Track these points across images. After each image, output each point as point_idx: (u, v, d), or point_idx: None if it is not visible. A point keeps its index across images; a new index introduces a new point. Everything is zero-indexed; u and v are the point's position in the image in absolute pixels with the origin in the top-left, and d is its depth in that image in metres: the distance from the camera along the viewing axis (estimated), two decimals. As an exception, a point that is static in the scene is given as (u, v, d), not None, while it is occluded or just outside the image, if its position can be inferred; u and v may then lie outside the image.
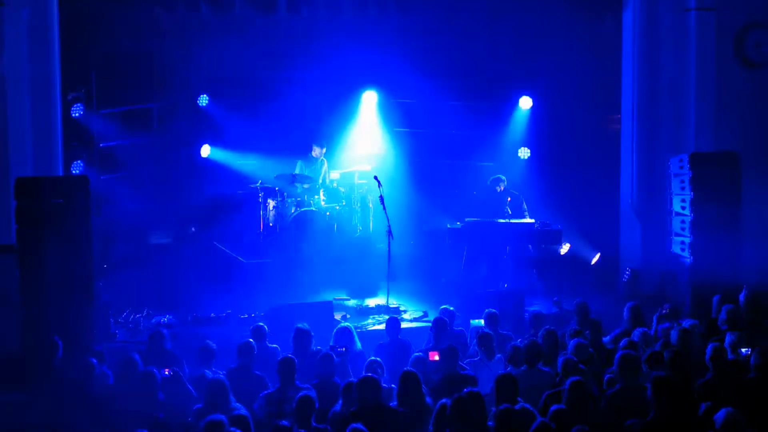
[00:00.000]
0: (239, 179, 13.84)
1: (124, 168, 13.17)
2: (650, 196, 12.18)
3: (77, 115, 12.13)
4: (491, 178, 12.74)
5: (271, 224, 13.35)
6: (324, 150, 13.54)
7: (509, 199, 12.49)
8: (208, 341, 8.52)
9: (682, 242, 11.24)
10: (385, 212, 11.44)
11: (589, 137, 13.39)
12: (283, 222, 13.19)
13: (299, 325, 8.70)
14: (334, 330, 8.84)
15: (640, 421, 6.53)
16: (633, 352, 7.64)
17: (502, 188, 12.60)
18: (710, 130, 11.73)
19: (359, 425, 6.10)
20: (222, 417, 6.39)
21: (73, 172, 11.87)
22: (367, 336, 10.08)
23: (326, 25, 12.72)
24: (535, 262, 12.56)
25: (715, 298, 9.67)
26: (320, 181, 13.37)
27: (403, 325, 9.87)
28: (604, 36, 13.06)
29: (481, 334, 8.64)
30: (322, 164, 13.58)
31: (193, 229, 13.29)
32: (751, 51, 11.80)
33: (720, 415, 6.09)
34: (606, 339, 9.17)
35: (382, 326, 9.76)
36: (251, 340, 8.44)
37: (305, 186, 13.11)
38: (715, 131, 11.72)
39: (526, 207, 12.59)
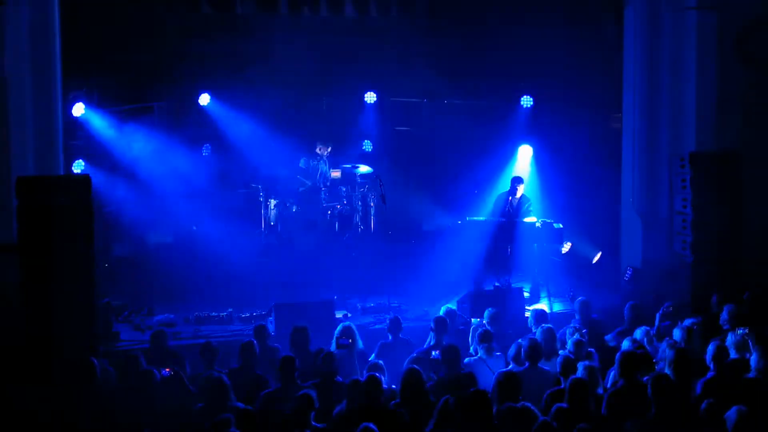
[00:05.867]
0: (240, 178, 13.84)
1: (125, 167, 13.17)
2: (651, 195, 12.16)
3: (78, 113, 12.12)
4: (513, 177, 12.61)
5: (272, 223, 13.38)
6: (329, 149, 13.56)
7: (510, 198, 12.49)
8: (210, 340, 8.53)
9: (683, 241, 11.24)
10: (387, 211, 11.44)
11: (590, 136, 13.39)
12: (285, 221, 13.21)
13: (297, 325, 8.71)
14: (336, 329, 8.85)
15: (640, 420, 6.54)
16: (634, 351, 7.65)
17: (521, 192, 12.42)
18: (711, 129, 11.71)
19: (371, 425, 6.09)
20: (229, 415, 6.40)
21: (74, 171, 11.87)
22: (369, 335, 10.08)
23: (328, 24, 12.72)
24: (536, 260, 12.56)
25: (714, 297, 9.68)
26: (323, 179, 13.38)
27: (405, 324, 9.87)
28: (605, 35, 13.07)
29: (480, 332, 8.66)
30: (324, 163, 13.60)
31: (194, 227, 13.28)
32: (752, 50, 11.77)
33: (731, 413, 6.08)
34: (608, 337, 9.18)
35: (384, 325, 9.75)
36: (253, 339, 8.45)
37: (308, 183, 13.15)
38: (716, 130, 11.70)
39: (532, 210, 12.53)
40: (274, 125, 13.72)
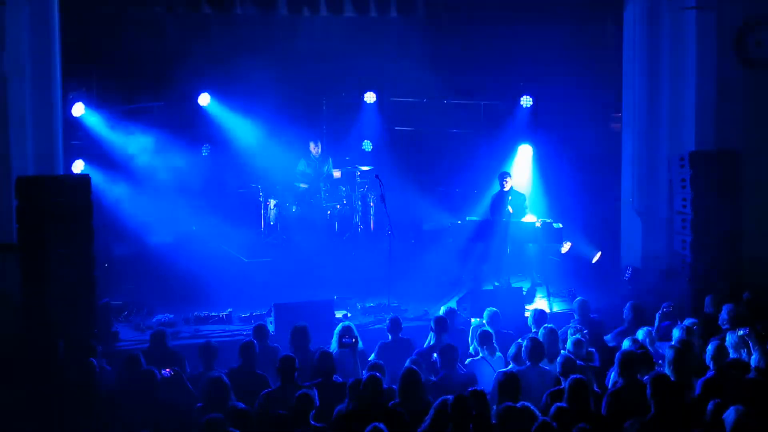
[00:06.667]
0: (240, 178, 13.84)
1: (125, 167, 13.17)
2: (651, 195, 12.17)
3: (78, 114, 12.13)
4: (499, 173, 12.73)
5: (272, 223, 13.38)
6: (319, 145, 13.55)
7: (510, 197, 12.50)
8: (209, 340, 8.52)
9: (683, 240, 11.25)
10: (386, 211, 11.45)
11: (590, 136, 13.39)
12: (284, 221, 13.22)
13: (297, 325, 8.71)
14: (337, 328, 8.85)
15: (639, 420, 6.54)
16: (634, 351, 7.65)
17: (510, 184, 12.57)
18: (711, 129, 11.72)
19: (381, 425, 6.09)
20: (220, 415, 6.40)
21: (74, 171, 11.87)
22: (369, 335, 10.08)
23: (327, 24, 12.71)
24: (536, 260, 12.57)
25: (708, 297, 9.68)
26: (322, 179, 13.38)
27: (404, 324, 9.87)
28: (605, 34, 13.07)
29: (481, 332, 8.66)
30: (324, 163, 13.60)
31: (194, 227, 13.28)
32: (752, 49, 11.77)
33: (730, 413, 6.07)
34: (607, 337, 9.18)
35: (384, 325, 9.76)
36: (253, 339, 8.45)
37: (306, 185, 13.14)
38: (716, 130, 11.70)
39: (528, 205, 12.60)
40: (274, 125, 13.72)
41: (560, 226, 12.23)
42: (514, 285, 12.04)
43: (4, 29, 10.40)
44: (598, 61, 13.01)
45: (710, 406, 6.45)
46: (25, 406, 7.46)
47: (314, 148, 13.56)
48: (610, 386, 7.55)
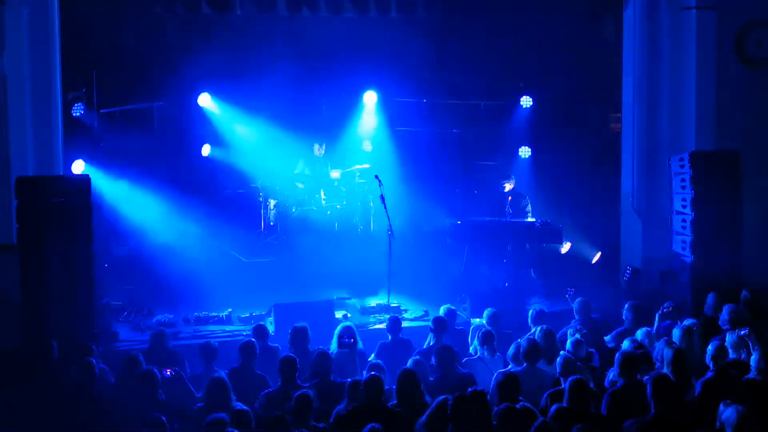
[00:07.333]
0: (240, 178, 13.85)
1: (125, 167, 13.17)
2: (651, 195, 12.16)
3: (78, 114, 12.13)
4: (500, 174, 12.71)
5: (272, 223, 13.38)
6: (324, 147, 13.56)
7: (510, 198, 12.50)
8: (209, 340, 8.53)
9: (683, 241, 11.23)
10: (386, 211, 11.45)
11: (589, 136, 13.39)
12: (284, 221, 13.22)
13: (297, 325, 8.71)
14: (337, 329, 8.85)
15: (639, 420, 6.54)
16: (633, 351, 7.65)
17: (510, 185, 12.55)
18: (711, 129, 11.72)
19: (378, 425, 6.09)
20: (223, 415, 6.40)
21: (74, 171, 11.88)
22: (368, 335, 10.08)
23: (327, 24, 12.71)
24: (535, 261, 12.56)
25: (710, 297, 9.67)
26: (323, 180, 13.37)
27: (404, 324, 9.87)
28: (604, 34, 13.07)
29: (482, 333, 8.65)
30: (324, 163, 13.60)
31: (194, 227, 13.28)
32: (752, 49, 11.78)
33: (731, 414, 6.07)
34: (607, 338, 9.18)
35: (383, 325, 9.76)
36: (253, 339, 8.45)
37: (304, 185, 13.14)
38: (716, 130, 11.70)
39: (530, 208, 12.57)
40: (274, 125, 13.71)
41: (560, 226, 12.23)
42: (512, 285, 12.03)
43: (4, 29, 10.41)
44: (598, 61, 13.01)
45: (720, 408, 6.44)
46: (25, 406, 7.45)
47: (318, 150, 13.57)
48: (609, 386, 7.54)
